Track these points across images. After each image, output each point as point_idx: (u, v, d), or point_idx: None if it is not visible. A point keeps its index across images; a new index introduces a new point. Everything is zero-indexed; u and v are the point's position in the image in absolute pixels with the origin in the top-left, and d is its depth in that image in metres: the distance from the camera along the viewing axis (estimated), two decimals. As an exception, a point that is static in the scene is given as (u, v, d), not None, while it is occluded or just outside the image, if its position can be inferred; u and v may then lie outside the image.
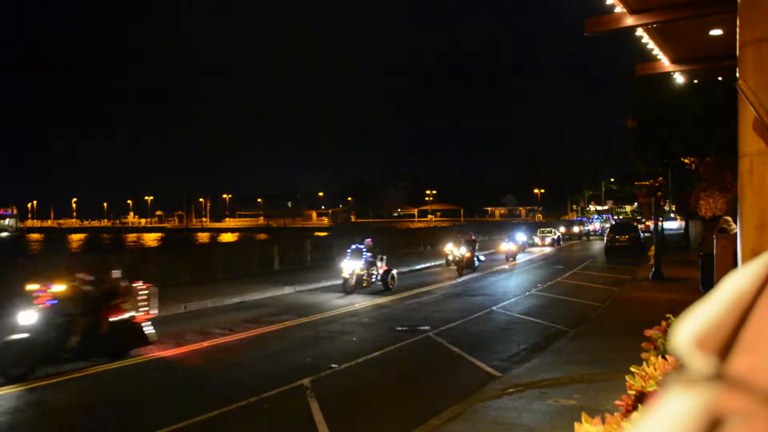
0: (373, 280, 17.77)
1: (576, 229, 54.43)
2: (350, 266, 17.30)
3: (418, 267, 25.71)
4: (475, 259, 23.21)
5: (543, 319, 13.09)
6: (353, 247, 18.12)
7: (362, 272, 17.41)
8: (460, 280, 20.96)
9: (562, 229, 48.46)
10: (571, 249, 39.32)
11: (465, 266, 22.47)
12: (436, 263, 26.50)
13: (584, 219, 65.50)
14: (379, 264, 18.06)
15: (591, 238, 52.96)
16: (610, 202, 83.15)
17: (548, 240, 40.28)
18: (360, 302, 15.71)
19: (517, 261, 28.51)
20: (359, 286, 17.33)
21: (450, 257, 22.75)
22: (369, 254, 17.77)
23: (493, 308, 14.72)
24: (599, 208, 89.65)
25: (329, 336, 11.65)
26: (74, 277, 9.82)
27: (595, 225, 61.27)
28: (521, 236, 35.74)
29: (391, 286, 17.85)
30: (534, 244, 39.04)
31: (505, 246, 29.32)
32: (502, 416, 6.45)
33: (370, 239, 18.69)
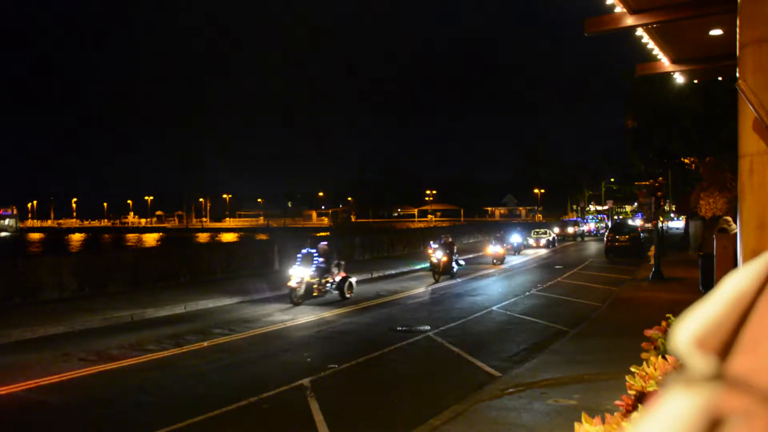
0: (328, 288, 15.92)
1: (570, 229, 51.29)
2: (299, 274, 15.37)
3: (399, 271, 24.03)
4: (454, 263, 21.25)
5: (543, 319, 13.09)
6: (303, 251, 16.15)
7: (313, 280, 15.56)
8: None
9: (557, 229, 45.77)
10: (567, 250, 37.47)
11: (441, 272, 20.53)
12: (422, 266, 24.29)
13: (578, 219, 62.00)
14: (335, 270, 16.19)
15: (586, 238, 51.03)
16: (610, 202, 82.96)
17: (543, 241, 38.44)
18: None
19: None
20: (309, 296, 15.45)
21: (433, 260, 20.91)
22: (321, 259, 15.91)
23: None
24: (599, 208, 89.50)
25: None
26: None
27: (590, 225, 58.48)
28: (516, 237, 34.09)
29: (348, 296, 16.09)
30: (528, 246, 37.10)
31: (492, 249, 27.25)
32: (502, 416, 6.45)
33: (325, 242, 16.89)
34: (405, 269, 24.47)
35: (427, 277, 21.40)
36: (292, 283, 15.23)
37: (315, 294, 15.62)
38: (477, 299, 16.41)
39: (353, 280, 16.72)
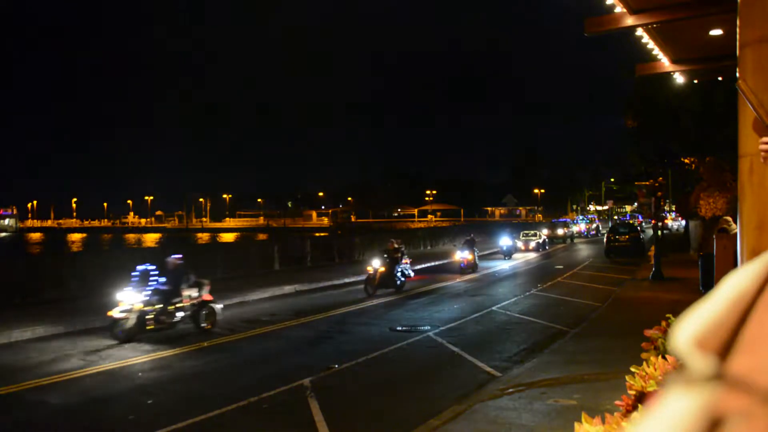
0: (177, 318, 11.82)
1: (560, 231, 45.75)
2: (130, 299, 11.28)
3: (347, 281, 20.73)
4: (398, 274, 17.66)
5: (543, 319, 13.09)
6: (140, 269, 12.09)
7: (148, 308, 11.39)
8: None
9: (545, 231, 41.19)
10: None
11: (378, 285, 17.11)
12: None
13: (568, 220, 55.09)
14: (192, 294, 12.15)
15: (576, 240, 46.66)
16: (610, 202, 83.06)
17: (532, 244, 34.51)
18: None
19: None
20: (143, 329, 11.27)
21: (369, 270, 17.57)
22: (163, 279, 11.91)
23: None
24: (599, 208, 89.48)
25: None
26: None
27: (581, 226, 53.28)
28: (505, 240, 30.73)
29: (205, 328, 12.03)
30: (516, 249, 33.02)
31: (460, 255, 22.92)
32: (502, 416, 6.45)
33: (178, 256, 12.53)
34: (319, 285, 19.60)
35: (347, 294, 17.84)
36: (116, 313, 11.10)
37: (150, 327, 11.38)
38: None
39: (218, 306, 12.63)
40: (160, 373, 9.10)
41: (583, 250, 37.13)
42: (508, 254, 30.48)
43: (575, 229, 49.94)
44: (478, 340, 11.22)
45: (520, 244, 34.26)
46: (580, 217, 59.98)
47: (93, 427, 6.98)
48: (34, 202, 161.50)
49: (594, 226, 54.62)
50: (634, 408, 3.17)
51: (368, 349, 10.28)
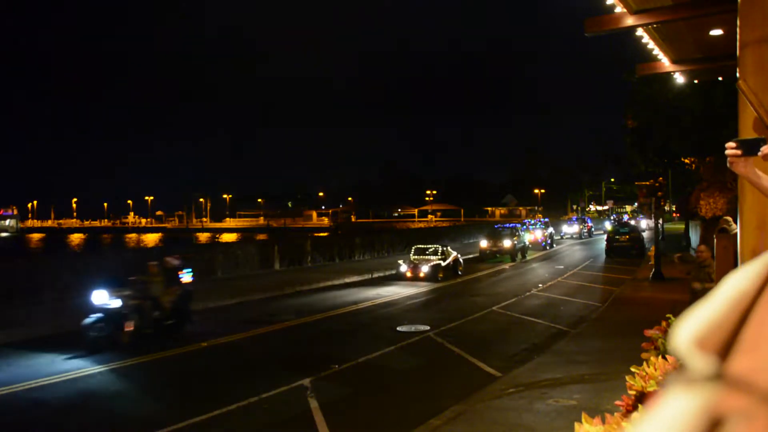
0: None
1: (507, 242, 28.31)
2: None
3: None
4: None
5: (544, 319, 13.08)
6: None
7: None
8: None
9: (484, 243, 28.69)
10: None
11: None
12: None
13: (517, 225, 34.45)
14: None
15: (528, 256, 30.15)
16: (610, 202, 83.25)
17: (425, 269, 20.25)
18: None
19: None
20: None
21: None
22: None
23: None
24: (599, 208, 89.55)
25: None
26: None
27: (536, 234, 35.84)
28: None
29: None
30: (398, 277, 20.64)
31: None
32: (503, 416, 6.45)
33: None
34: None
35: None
36: None
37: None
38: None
39: None
40: (161, 373, 9.10)
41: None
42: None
43: (528, 238, 32.79)
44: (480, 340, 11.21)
45: (403, 268, 20.81)
46: (531, 221, 40.13)
47: (93, 426, 7.01)
48: (35, 202, 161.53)
49: (548, 232, 37.72)
50: (635, 408, 3.17)
51: (368, 349, 10.28)
